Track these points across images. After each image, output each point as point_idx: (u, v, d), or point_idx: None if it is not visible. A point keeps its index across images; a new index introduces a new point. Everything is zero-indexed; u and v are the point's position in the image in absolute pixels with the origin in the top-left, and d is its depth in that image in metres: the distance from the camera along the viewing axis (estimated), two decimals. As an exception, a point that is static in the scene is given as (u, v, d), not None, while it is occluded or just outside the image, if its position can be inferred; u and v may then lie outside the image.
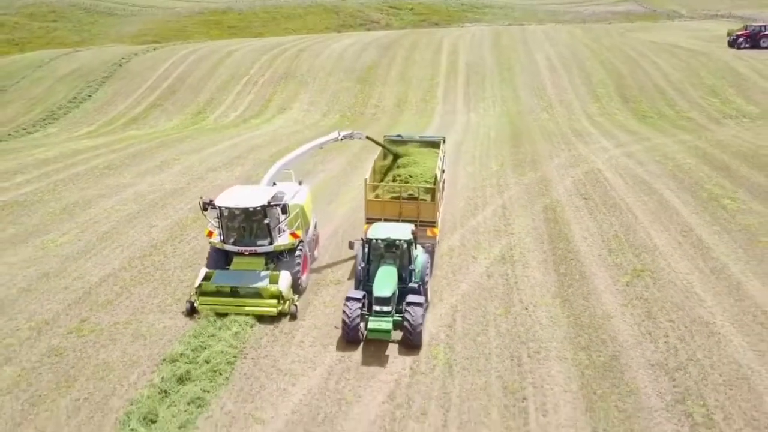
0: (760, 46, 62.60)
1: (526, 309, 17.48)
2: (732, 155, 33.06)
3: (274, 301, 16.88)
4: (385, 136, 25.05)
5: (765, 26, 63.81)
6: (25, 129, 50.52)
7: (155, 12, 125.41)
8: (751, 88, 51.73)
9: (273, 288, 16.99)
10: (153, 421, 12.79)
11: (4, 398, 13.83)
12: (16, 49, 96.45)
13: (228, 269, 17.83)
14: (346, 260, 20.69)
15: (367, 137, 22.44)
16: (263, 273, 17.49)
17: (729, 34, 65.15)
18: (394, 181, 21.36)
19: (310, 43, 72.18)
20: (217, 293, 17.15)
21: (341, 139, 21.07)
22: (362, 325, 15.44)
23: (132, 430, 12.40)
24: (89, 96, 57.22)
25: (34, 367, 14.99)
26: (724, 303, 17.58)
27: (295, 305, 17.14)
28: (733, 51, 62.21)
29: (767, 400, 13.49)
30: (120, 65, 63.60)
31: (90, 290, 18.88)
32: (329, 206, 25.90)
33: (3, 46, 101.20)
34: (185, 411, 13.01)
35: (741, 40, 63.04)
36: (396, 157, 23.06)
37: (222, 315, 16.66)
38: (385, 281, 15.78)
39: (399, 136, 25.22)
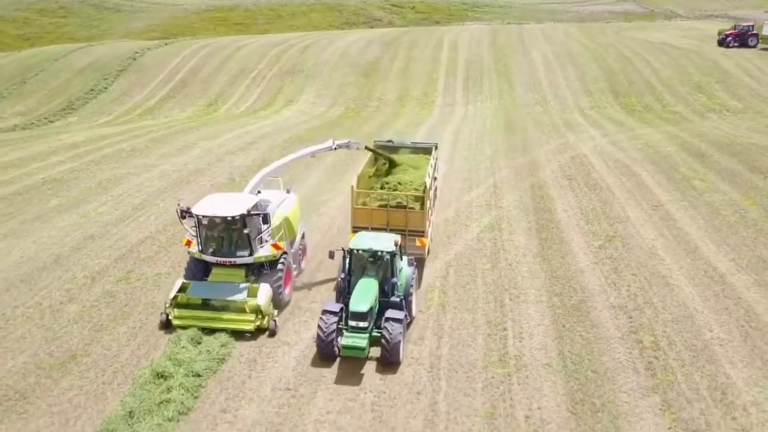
0: (748, 45, 65.41)
1: (510, 265, 20.31)
2: (709, 144, 35.83)
3: (252, 316, 16.00)
4: (375, 141, 23.75)
5: (753, 26, 66.58)
6: (46, 118, 53.33)
7: (163, 8, 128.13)
8: (736, 84, 54.54)
9: (251, 302, 16.09)
10: (198, 343, 15.61)
11: (73, 327, 16.67)
12: (27, 44, 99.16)
13: (206, 281, 17.10)
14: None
15: (366, 147, 21.41)
16: (242, 285, 16.62)
17: (719, 34, 67.87)
18: (382, 188, 20.06)
19: (316, 39, 74.96)
20: (193, 306, 16.37)
21: (335, 148, 19.98)
22: (339, 340, 14.77)
23: (183, 347, 15.20)
24: (105, 88, 60.02)
25: (93, 305, 17.83)
26: (681, 262, 20.40)
27: (274, 320, 16.19)
28: (722, 49, 64.99)
29: (705, 332, 16.31)
30: (134, 59, 66.38)
31: (132, 249, 21.73)
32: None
33: (14, 41, 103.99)
34: (223, 335, 15.85)
35: (730, 39, 65.83)
36: (392, 165, 21.72)
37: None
38: (363, 295, 14.97)
39: (390, 141, 24.14)
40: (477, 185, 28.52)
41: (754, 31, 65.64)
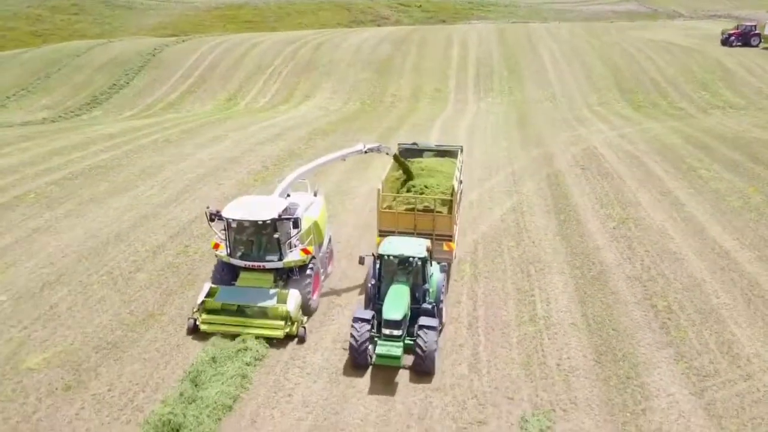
0: (751, 44, 67.30)
1: (533, 242, 22.24)
2: (713, 137, 37.74)
3: (282, 323, 15.82)
4: (399, 144, 23.78)
5: (755, 26, 68.47)
6: (72, 112, 55.24)
7: (173, 6, 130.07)
8: (739, 82, 56.42)
9: (281, 308, 15.92)
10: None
11: (145, 291, 18.62)
12: (40, 40, 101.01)
13: (234, 285, 16.85)
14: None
15: (394, 156, 21.23)
16: (272, 291, 16.40)
17: (722, 33, 69.74)
18: (408, 191, 19.91)
19: (329, 36, 76.80)
20: (222, 311, 16.22)
21: (365, 152, 19.79)
22: (371, 348, 14.62)
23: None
24: (127, 83, 61.89)
25: (159, 274, 19.77)
26: (690, 240, 22.32)
27: (304, 327, 15.99)
28: (725, 48, 66.86)
29: (713, 298, 18.23)
30: (153, 55, 68.24)
31: (184, 227, 23.67)
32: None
33: (28, 38, 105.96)
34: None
35: (733, 38, 67.72)
36: (409, 177, 21.05)
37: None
38: (396, 302, 14.72)
39: (414, 144, 24.02)
40: (496, 173, 30.42)
41: (757, 31, 67.51)
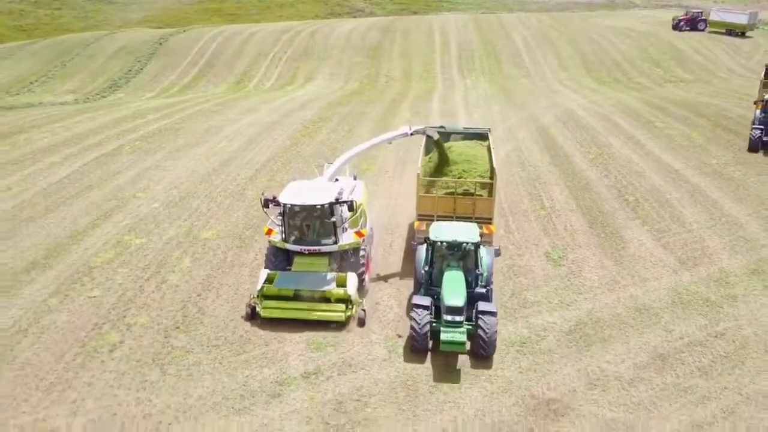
0: (698, 29, 76.21)
1: (533, 168, 29.50)
2: (666, 102, 45.64)
3: (342, 306, 15.92)
4: (426, 126, 22.30)
5: (702, 12, 77.46)
6: (97, 94, 60.74)
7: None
8: (688, 61, 64.99)
9: (341, 291, 16.00)
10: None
11: (257, 201, 25.24)
12: (24, 35, 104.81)
13: (290, 270, 16.94)
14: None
15: (435, 141, 20.90)
16: (329, 275, 16.46)
17: (674, 20, 78.50)
18: (446, 176, 20.09)
19: (320, 26, 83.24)
20: (281, 297, 16.23)
21: (411, 134, 20.04)
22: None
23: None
24: (141, 69, 67.48)
25: (261, 192, 26.37)
26: (650, 165, 29.82)
27: (363, 310, 16.10)
28: (676, 33, 75.62)
29: (666, 195, 25.71)
30: (160, 44, 73.80)
31: (262, 166, 30.25)
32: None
33: (12, 33, 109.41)
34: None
35: (682, 23, 76.54)
36: (443, 162, 20.86)
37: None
38: (456, 288, 14.86)
39: (442, 127, 22.94)
40: (495, 128, 37.47)
41: (703, 17, 76.48)
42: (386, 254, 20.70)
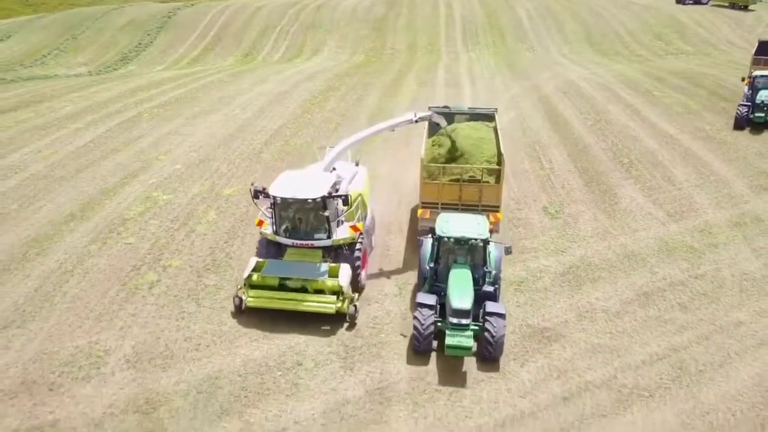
0: (701, 2, 76.84)
1: (534, 133, 30.99)
2: (666, 72, 46.84)
3: (333, 298, 15.14)
4: (430, 107, 21.60)
5: (705, -15, 78.08)
6: (109, 66, 62.07)
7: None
8: (689, 33, 65.89)
9: (332, 282, 15.21)
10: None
11: (275, 163, 26.82)
12: (30, 10, 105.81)
13: (281, 260, 16.19)
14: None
15: (444, 128, 19.96)
16: (321, 265, 15.74)
17: (678, -7, 79.08)
18: (451, 162, 18.78)
19: (325, 0, 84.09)
20: (269, 287, 15.45)
21: (416, 121, 19.01)
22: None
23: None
24: (151, 42, 68.69)
25: (276, 156, 27.95)
26: (645, 130, 31.26)
27: (355, 305, 15.29)
28: (680, 6, 76.26)
29: (659, 157, 27.20)
30: (168, 18, 74.88)
31: (276, 132, 31.77)
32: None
33: (19, 7, 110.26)
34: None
35: (686, -3, 77.19)
36: (453, 149, 19.32)
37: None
38: (462, 289, 14.09)
39: (446, 107, 21.95)
40: (499, 97, 39.03)
41: (707, -10, 77.08)
42: (394, 210, 22.35)
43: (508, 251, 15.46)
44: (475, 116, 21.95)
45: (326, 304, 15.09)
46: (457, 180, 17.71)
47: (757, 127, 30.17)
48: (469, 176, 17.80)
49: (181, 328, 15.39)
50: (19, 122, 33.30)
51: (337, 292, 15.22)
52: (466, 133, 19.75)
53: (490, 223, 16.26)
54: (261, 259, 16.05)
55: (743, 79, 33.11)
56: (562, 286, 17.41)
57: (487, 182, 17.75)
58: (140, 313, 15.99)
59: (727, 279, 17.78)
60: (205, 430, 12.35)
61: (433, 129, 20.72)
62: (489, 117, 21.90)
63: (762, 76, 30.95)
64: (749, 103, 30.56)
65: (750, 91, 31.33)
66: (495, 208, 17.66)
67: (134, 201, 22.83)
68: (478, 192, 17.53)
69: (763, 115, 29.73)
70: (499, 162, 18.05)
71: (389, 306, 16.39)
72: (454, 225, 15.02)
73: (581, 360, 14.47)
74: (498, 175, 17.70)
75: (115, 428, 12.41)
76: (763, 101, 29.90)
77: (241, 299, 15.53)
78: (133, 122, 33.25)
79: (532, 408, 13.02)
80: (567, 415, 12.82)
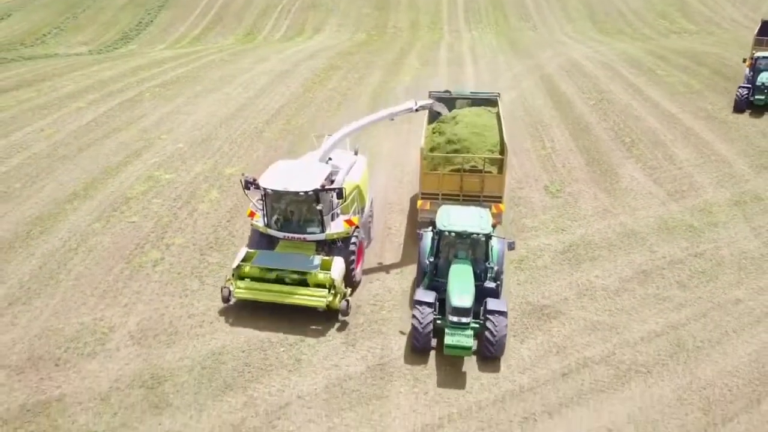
0: (705, -20, 75.93)
1: (537, 112, 30.94)
2: (669, 51, 46.57)
3: (324, 292, 14.49)
4: (430, 92, 21.43)
5: (710, -37, 77.05)
6: (110, 46, 61.79)
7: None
8: (693, 12, 65.40)
9: (324, 276, 14.59)
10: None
11: (276, 141, 26.86)
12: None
13: (272, 251, 15.67)
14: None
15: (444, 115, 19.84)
16: (313, 257, 15.14)
17: (681, -29, 78.16)
18: (453, 150, 17.93)
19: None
20: (258, 278, 14.93)
21: (416, 110, 18.53)
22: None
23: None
24: (151, 21, 68.31)
25: (280, 134, 28.00)
26: (647, 110, 31.20)
27: (347, 300, 14.65)
28: (684, -16, 75.51)
29: (661, 136, 27.20)
30: (168, -3, 74.40)
31: (278, 111, 31.77)
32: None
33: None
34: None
35: (690, -25, 76.21)
36: (450, 141, 18.49)
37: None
38: (463, 286, 13.60)
39: (447, 92, 21.59)
40: (501, 76, 38.92)
41: (711, -32, 76.06)
42: (395, 188, 22.39)
43: (511, 247, 14.68)
44: (477, 101, 21.22)
45: (317, 298, 14.49)
46: (458, 170, 17.10)
47: (758, 109, 29.91)
48: (471, 166, 17.15)
49: (185, 305, 15.58)
50: (20, 101, 33.32)
51: (329, 286, 14.57)
52: (467, 120, 19.02)
53: (492, 215, 15.55)
54: (251, 250, 15.57)
55: (744, 60, 32.39)
56: (562, 264, 17.55)
57: (490, 172, 17.11)
58: (144, 291, 16.17)
59: (726, 257, 17.90)
60: (209, 404, 12.57)
61: (434, 116, 20.16)
62: (491, 102, 21.17)
63: (764, 57, 30.56)
64: (749, 85, 29.93)
65: (751, 73, 30.75)
66: (497, 199, 17.04)
67: (137, 180, 22.94)
68: (480, 182, 16.90)
69: (763, 97, 29.42)
70: (502, 151, 17.29)
71: (390, 283, 16.57)
72: (455, 218, 14.44)
73: (580, 337, 14.65)
74: (501, 164, 17.08)
75: (121, 402, 12.63)
76: (763, 83, 29.42)
77: (229, 290, 14.90)
78: (135, 101, 33.24)
79: (531, 383, 13.22)
80: (566, 391, 13.02)
